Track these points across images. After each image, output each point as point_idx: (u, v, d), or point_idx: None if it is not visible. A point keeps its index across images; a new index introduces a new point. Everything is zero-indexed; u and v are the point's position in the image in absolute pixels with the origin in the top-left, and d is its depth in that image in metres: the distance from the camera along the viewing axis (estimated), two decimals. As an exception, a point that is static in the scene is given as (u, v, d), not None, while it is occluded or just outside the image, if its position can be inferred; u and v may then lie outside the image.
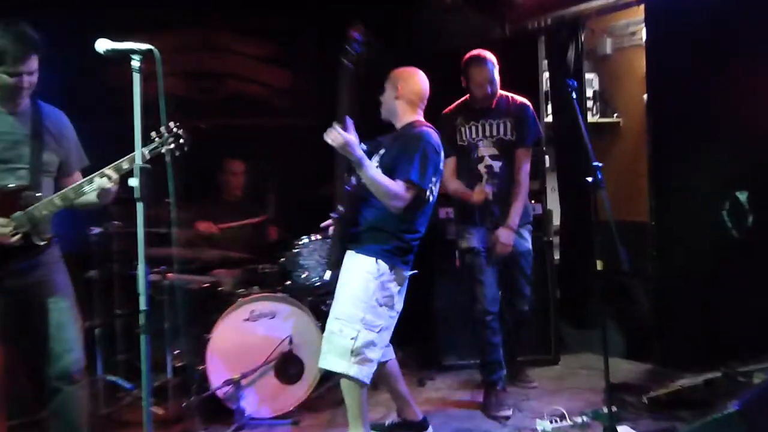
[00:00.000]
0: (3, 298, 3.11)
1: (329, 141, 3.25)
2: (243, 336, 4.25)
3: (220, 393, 4.11)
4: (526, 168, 4.41)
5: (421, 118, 3.66)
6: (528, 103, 4.50)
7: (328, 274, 3.64)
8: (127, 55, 2.86)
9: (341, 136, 3.23)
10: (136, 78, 2.83)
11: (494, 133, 4.41)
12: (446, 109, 4.52)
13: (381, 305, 3.39)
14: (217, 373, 4.16)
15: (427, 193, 3.52)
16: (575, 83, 3.95)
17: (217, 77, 5.79)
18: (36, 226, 3.14)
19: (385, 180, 3.36)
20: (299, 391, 4.32)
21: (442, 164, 3.62)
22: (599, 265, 3.73)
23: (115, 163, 3.12)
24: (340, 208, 3.49)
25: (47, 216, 3.16)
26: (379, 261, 3.39)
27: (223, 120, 5.69)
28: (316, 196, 4.80)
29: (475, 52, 4.33)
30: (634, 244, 4.82)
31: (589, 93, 5.99)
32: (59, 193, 3.17)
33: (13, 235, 3.08)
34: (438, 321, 5.17)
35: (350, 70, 3.29)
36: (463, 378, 4.99)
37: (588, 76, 5.87)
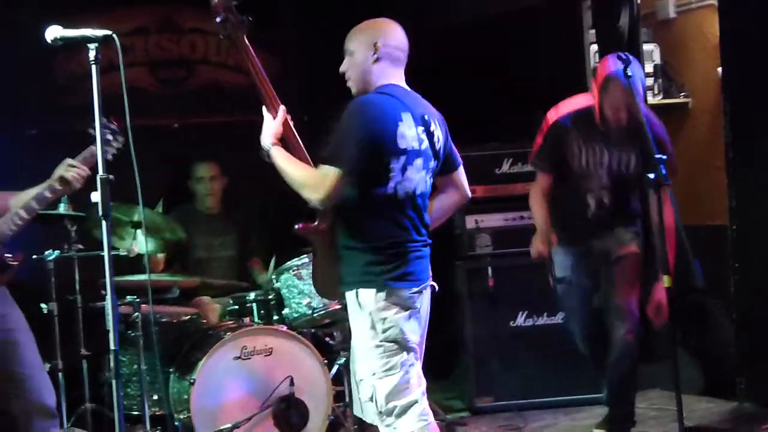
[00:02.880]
0: None
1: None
2: (234, 377, 4.29)
3: (207, 447, 4.16)
4: (670, 209, 4.18)
5: (402, 81, 3.32)
6: (662, 126, 4.27)
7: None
8: (80, 43, 2.91)
9: (266, 121, 3.32)
10: (94, 70, 2.88)
11: (615, 166, 4.25)
12: (559, 112, 4.32)
13: (387, 342, 3.16)
14: (204, 422, 4.20)
15: (389, 180, 3.14)
16: (630, 57, 3.98)
17: (185, 65, 5.85)
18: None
19: (298, 167, 3.23)
20: (303, 444, 4.36)
21: (401, 141, 3.14)
22: (667, 281, 3.74)
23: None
24: None
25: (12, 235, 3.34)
26: (360, 290, 3.17)
27: (196, 116, 5.76)
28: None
29: (618, 68, 4.02)
30: (710, 254, 4.86)
31: (649, 68, 5.98)
32: (21, 204, 3.35)
33: None
34: (469, 355, 5.22)
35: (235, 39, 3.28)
36: (500, 423, 5.01)
37: (646, 47, 5.86)
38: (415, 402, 3.17)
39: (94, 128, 3.33)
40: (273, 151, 3.24)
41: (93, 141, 3.39)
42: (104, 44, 2.91)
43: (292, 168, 3.21)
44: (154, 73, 5.74)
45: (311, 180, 3.14)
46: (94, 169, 3.00)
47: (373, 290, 3.15)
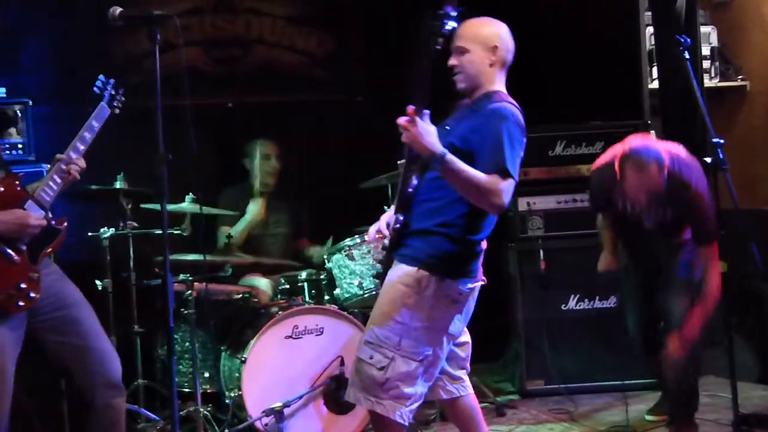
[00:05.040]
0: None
1: (404, 138, 3.10)
2: (285, 356, 4.33)
3: (258, 424, 4.20)
4: (714, 271, 3.99)
5: (503, 87, 3.41)
6: (691, 181, 3.98)
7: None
8: (139, 23, 2.95)
9: (419, 126, 3.05)
10: (155, 51, 2.93)
11: (652, 217, 4.19)
12: (597, 162, 4.35)
13: (426, 328, 3.23)
14: (255, 400, 4.24)
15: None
16: (688, 39, 3.93)
17: (240, 45, 5.89)
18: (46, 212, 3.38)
19: (479, 175, 3.12)
20: (353, 423, 4.39)
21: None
22: (723, 267, 3.69)
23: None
24: (401, 217, 3.33)
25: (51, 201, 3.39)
26: (421, 271, 3.23)
27: (250, 96, 5.80)
28: (365, 187, 4.87)
29: (637, 145, 3.97)
30: (767, 238, 4.77)
31: (706, 50, 5.92)
32: (54, 172, 3.40)
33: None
34: (521, 337, 5.22)
35: (434, 52, 3.10)
36: (551, 406, 5.02)
37: (704, 29, 5.81)
38: (417, 396, 3.25)
39: (99, 86, 3.56)
40: (448, 157, 3.08)
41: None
42: (163, 25, 2.95)
43: (474, 175, 3.11)
44: (209, 53, 5.78)
45: (496, 187, 3.12)
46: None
47: (445, 279, 3.23)
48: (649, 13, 5.61)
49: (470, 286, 3.31)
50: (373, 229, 3.52)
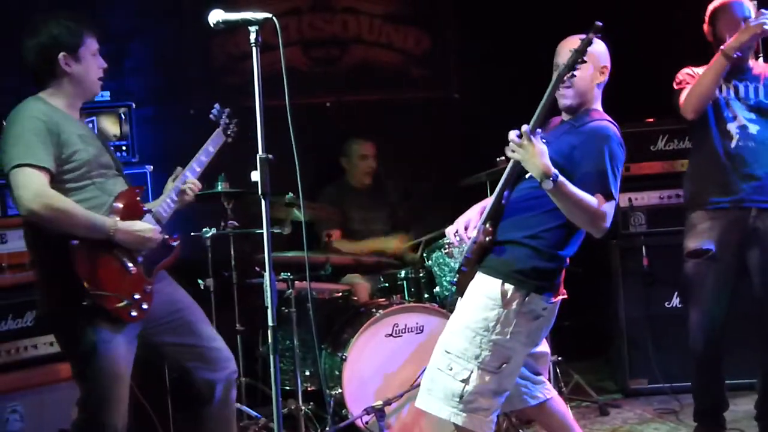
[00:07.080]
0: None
1: (510, 153, 3.10)
2: (385, 354, 4.35)
3: (359, 422, 4.23)
4: None
5: (600, 106, 3.44)
6: None
7: (457, 302, 3.44)
8: (240, 26, 2.99)
9: (533, 145, 3.04)
10: (255, 52, 2.95)
11: (750, 95, 4.13)
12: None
13: (507, 341, 3.21)
14: (356, 399, 4.27)
15: None
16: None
17: (338, 44, 5.93)
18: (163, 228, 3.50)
19: (589, 199, 3.11)
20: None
21: None
22: None
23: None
24: (488, 227, 3.31)
25: (168, 217, 3.53)
26: (507, 285, 3.20)
27: (348, 95, 5.84)
28: (465, 185, 4.85)
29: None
30: None
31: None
32: (172, 190, 3.54)
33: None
34: (623, 335, 5.13)
35: (566, 71, 3.11)
36: (656, 405, 4.93)
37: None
38: (495, 409, 3.23)
39: (215, 114, 3.74)
40: (561, 179, 3.06)
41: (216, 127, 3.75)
42: (262, 27, 2.97)
43: (583, 198, 3.11)
44: (307, 53, 5.85)
45: (601, 212, 3.14)
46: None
47: (530, 294, 3.21)
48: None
49: (553, 300, 3.29)
50: (451, 230, 3.49)
